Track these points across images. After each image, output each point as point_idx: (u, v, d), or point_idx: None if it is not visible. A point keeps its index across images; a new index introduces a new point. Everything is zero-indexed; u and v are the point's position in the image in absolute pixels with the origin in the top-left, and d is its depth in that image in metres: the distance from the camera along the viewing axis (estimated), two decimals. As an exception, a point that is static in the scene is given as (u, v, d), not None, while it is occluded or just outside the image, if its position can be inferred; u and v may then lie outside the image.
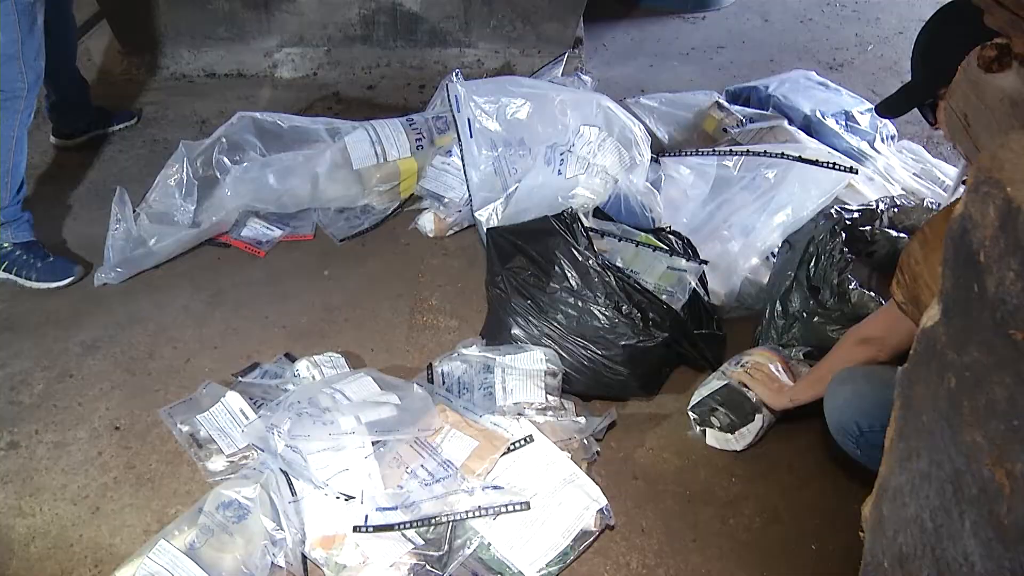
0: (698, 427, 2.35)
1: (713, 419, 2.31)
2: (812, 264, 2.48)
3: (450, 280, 2.89)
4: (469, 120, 2.81)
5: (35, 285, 2.82)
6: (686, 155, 2.92)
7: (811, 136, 3.17)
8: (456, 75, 3.12)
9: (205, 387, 2.38)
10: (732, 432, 2.29)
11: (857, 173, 2.74)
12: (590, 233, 2.51)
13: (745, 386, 2.32)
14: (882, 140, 3.32)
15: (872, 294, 2.37)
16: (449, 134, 3.13)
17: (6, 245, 2.81)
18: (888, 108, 2.02)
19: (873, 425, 1.88)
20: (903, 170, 3.18)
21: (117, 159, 3.48)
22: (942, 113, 1.78)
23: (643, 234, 2.66)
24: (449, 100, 2.88)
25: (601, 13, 4.53)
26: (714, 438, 2.32)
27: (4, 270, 2.82)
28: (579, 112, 2.83)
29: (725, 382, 2.34)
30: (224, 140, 3.06)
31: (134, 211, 2.92)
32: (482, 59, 4.05)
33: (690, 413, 2.37)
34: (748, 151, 2.80)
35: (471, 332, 2.64)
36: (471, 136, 2.80)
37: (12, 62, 2.64)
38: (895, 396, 1.03)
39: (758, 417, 2.29)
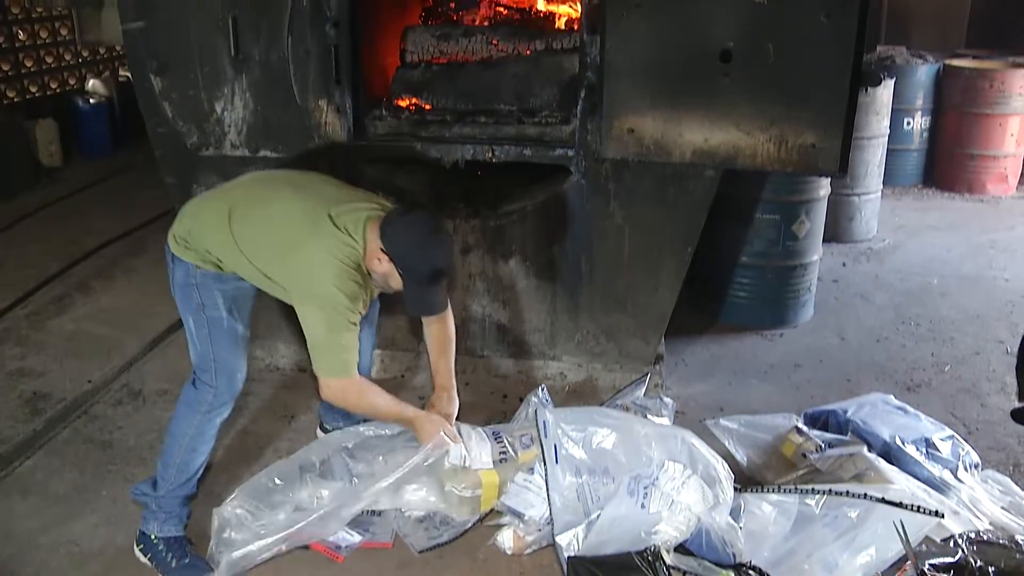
0: None
1: None
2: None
3: (526, 603, 2.86)
4: (556, 446, 2.90)
5: None
6: (768, 491, 2.93)
7: (891, 463, 3.14)
8: (541, 390, 3.23)
9: None
10: None
11: (943, 517, 2.70)
12: (672, 571, 2.51)
13: None
14: (965, 468, 3.24)
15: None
16: (532, 450, 3.19)
17: (153, 537, 2.88)
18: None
19: None
20: (991, 503, 3.10)
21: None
22: None
23: (724, 571, 2.64)
24: (537, 424, 2.99)
25: (680, 327, 4.66)
26: None
27: (148, 558, 2.90)
28: (664, 446, 2.91)
29: None
30: (312, 452, 3.18)
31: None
32: (565, 372, 4.17)
33: None
34: (831, 490, 2.81)
35: (546, 663, 2.59)
36: (556, 462, 2.88)
37: (206, 363, 2.83)
38: None
39: None
